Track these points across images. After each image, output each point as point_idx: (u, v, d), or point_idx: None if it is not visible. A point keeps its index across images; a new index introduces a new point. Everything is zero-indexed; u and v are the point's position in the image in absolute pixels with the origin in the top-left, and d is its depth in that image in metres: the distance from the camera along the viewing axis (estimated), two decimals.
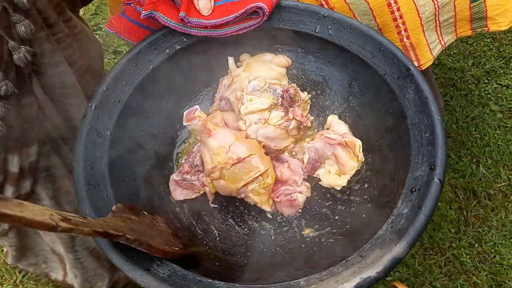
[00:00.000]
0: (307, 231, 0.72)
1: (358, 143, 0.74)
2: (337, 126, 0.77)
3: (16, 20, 0.69)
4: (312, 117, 0.82)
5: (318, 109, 0.83)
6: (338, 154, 0.74)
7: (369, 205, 0.68)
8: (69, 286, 1.24)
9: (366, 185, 0.73)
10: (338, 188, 0.74)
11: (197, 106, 0.68)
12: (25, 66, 0.71)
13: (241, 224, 0.75)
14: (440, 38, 0.94)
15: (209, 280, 0.56)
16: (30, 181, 0.84)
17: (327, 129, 0.79)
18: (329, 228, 0.70)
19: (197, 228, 0.73)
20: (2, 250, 1.41)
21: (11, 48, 0.69)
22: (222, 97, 0.79)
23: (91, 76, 0.94)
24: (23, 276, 1.43)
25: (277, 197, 0.74)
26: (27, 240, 1.06)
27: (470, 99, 1.69)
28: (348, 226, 0.68)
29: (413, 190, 0.60)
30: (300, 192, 0.74)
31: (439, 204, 1.47)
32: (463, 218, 1.46)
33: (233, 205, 0.77)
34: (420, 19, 0.86)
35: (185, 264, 0.61)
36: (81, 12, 1.80)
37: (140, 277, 0.55)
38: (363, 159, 0.74)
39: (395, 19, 0.86)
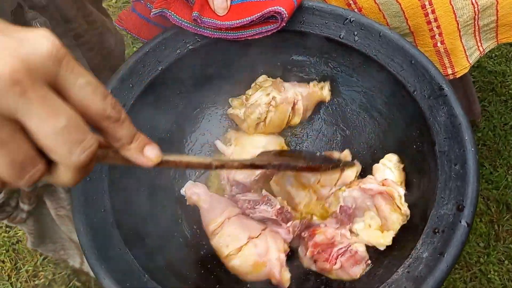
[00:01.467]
0: None
1: (399, 193, 0.61)
2: (380, 173, 0.66)
3: (31, 17, 0.66)
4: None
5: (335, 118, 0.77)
6: (379, 205, 0.62)
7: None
8: (85, 273, 1.25)
9: None
10: (382, 248, 0.61)
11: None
12: None
13: None
14: (479, 44, 0.85)
15: None
16: None
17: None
18: None
19: None
20: (25, 233, 1.44)
21: None
22: (231, 183, 0.72)
23: (110, 72, 0.91)
24: (44, 259, 1.47)
25: (335, 264, 0.62)
26: (45, 228, 1.06)
27: (510, 105, 1.58)
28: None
29: (436, 231, 0.53)
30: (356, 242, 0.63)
31: None
32: (493, 232, 1.38)
33: None
34: (457, 23, 0.78)
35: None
36: None
37: None
38: (408, 211, 0.61)
39: (429, 22, 0.78)
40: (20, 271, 1.47)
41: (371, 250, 0.63)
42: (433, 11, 0.77)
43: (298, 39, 0.71)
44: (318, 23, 0.69)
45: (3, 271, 1.47)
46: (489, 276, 1.31)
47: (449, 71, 0.86)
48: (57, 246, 1.19)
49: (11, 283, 1.45)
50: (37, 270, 1.48)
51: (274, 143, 0.74)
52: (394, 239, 0.61)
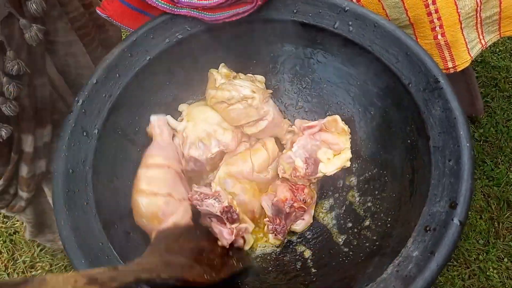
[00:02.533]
0: (306, 254, 0.65)
1: (335, 117, 0.71)
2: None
3: None
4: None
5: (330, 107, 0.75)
6: (326, 138, 0.70)
7: (374, 237, 0.60)
8: None
9: (374, 210, 0.65)
10: (348, 165, 0.70)
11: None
12: (37, 45, 0.68)
13: None
14: (481, 37, 0.82)
15: None
16: (45, 161, 0.82)
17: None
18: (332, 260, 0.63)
19: None
20: (23, 223, 1.44)
21: (22, 26, 0.65)
22: (187, 158, 0.71)
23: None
24: (41, 250, 1.46)
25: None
26: (44, 217, 1.06)
27: None
28: (349, 259, 0.61)
29: (428, 229, 0.51)
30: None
31: (469, 212, 1.37)
32: (493, 230, 1.35)
33: None
34: (459, 15, 0.75)
35: None
36: None
37: None
38: (349, 129, 0.71)
39: (429, 14, 0.75)
40: (17, 262, 1.46)
41: (362, 248, 0.61)
42: (433, 2, 0.74)
43: (290, 29, 0.69)
44: (311, 13, 0.66)
45: (0, 262, 1.47)
46: (488, 273, 1.29)
47: (450, 64, 0.83)
48: (55, 236, 1.19)
49: (8, 274, 1.45)
50: (34, 261, 1.47)
51: (225, 126, 0.72)
52: (385, 234, 0.59)
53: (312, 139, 0.71)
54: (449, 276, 1.30)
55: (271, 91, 0.73)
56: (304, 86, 0.77)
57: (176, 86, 0.74)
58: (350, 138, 0.71)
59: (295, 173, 0.69)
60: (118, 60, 0.66)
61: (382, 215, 0.63)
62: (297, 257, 0.66)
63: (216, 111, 0.72)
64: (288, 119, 0.77)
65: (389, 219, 0.61)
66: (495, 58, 1.64)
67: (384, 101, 0.67)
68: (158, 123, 0.71)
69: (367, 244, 0.61)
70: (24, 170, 0.79)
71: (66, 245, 0.53)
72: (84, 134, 0.62)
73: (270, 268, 0.65)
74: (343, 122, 0.71)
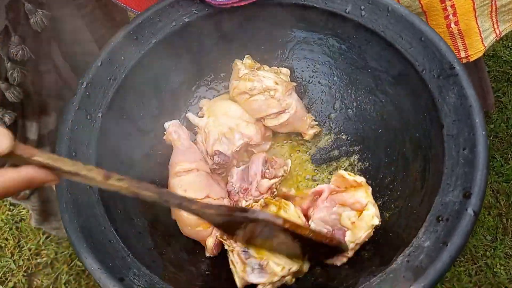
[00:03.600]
0: None
1: (340, 173, 0.60)
2: None
3: None
4: None
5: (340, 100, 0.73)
6: (342, 199, 0.59)
7: (386, 224, 0.59)
8: None
9: (384, 200, 0.63)
10: (377, 222, 0.56)
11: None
12: (42, 31, 0.67)
13: None
14: (495, 26, 0.80)
15: None
16: (50, 149, 0.81)
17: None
18: None
19: None
20: (28, 211, 1.44)
21: (28, 11, 0.64)
22: (211, 154, 0.68)
23: None
24: (46, 238, 1.47)
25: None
26: (50, 205, 1.06)
27: None
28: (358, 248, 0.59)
29: (440, 219, 0.49)
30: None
31: None
32: (502, 226, 1.33)
33: None
34: (473, 3, 0.73)
35: (167, 271, 0.55)
36: None
37: (112, 287, 0.49)
38: (362, 178, 0.60)
39: (443, 1, 0.73)
40: (23, 249, 1.47)
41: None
42: None
43: (300, 14, 0.67)
44: None
45: (6, 249, 1.48)
46: (495, 270, 1.27)
47: (463, 54, 0.81)
48: (61, 224, 1.19)
49: (13, 261, 1.46)
50: (40, 249, 1.48)
51: (248, 120, 0.70)
52: (395, 226, 0.57)
53: (328, 208, 0.60)
54: (456, 272, 1.28)
55: (295, 84, 0.71)
56: (313, 74, 0.75)
57: (183, 71, 0.72)
58: (366, 185, 0.60)
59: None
60: (123, 43, 0.64)
61: (392, 205, 0.61)
62: None
63: (238, 102, 0.70)
64: (312, 114, 0.74)
65: (399, 210, 0.59)
66: (508, 52, 1.61)
67: (396, 89, 0.65)
68: (173, 129, 0.70)
69: (376, 237, 0.60)
70: None
71: (68, 228, 0.52)
72: (88, 117, 0.61)
73: None
74: (352, 173, 0.61)
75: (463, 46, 0.80)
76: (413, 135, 0.62)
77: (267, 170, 0.67)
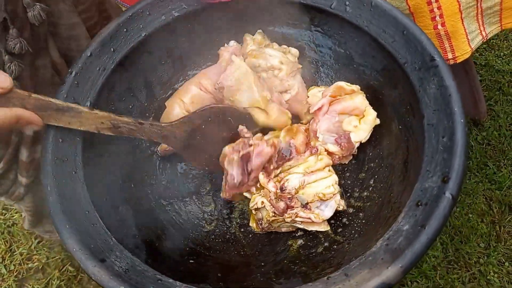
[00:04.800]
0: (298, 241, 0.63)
1: (338, 84, 0.68)
2: (314, 97, 0.72)
3: None
4: None
5: None
6: (341, 108, 0.67)
7: (368, 213, 0.59)
8: None
9: (367, 192, 0.63)
10: (378, 122, 0.67)
11: None
12: (40, 25, 0.68)
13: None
14: (482, 28, 0.82)
15: (170, 280, 0.50)
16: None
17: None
18: (322, 237, 0.62)
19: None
20: (21, 215, 1.44)
21: (26, 5, 0.66)
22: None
23: None
24: (38, 243, 1.46)
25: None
26: (43, 206, 1.06)
27: None
28: (338, 237, 0.59)
29: (419, 203, 0.50)
30: None
31: (470, 216, 1.35)
32: (495, 233, 1.34)
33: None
34: (459, 4, 0.75)
35: (151, 257, 0.55)
36: None
37: (92, 268, 0.49)
38: (357, 86, 0.68)
39: (429, 3, 0.75)
40: (14, 253, 1.46)
41: (354, 219, 0.60)
42: None
43: (287, 10, 0.69)
44: None
45: None
46: (488, 277, 1.27)
47: (450, 55, 0.82)
48: (53, 227, 1.18)
49: (4, 266, 1.44)
50: (31, 254, 1.47)
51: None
52: (377, 216, 0.58)
53: (330, 118, 0.68)
54: (449, 279, 1.27)
55: (300, 66, 0.71)
56: (301, 69, 0.76)
57: (172, 65, 0.74)
58: (363, 94, 0.68)
59: (335, 157, 0.68)
60: (113, 35, 0.66)
61: (375, 195, 0.61)
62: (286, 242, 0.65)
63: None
64: None
65: (382, 199, 0.60)
66: (500, 62, 1.64)
67: (381, 83, 0.67)
68: (233, 50, 0.72)
69: (357, 229, 0.60)
70: (24, 154, 0.78)
71: (51, 210, 0.53)
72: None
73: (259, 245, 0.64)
74: (348, 83, 0.68)
75: (450, 48, 0.82)
76: (396, 128, 0.63)
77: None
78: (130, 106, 0.70)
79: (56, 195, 0.54)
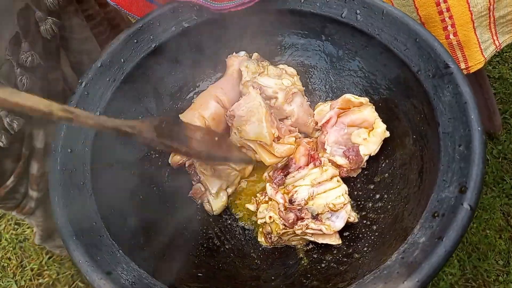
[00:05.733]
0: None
1: (345, 97, 0.66)
2: (321, 113, 0.70)
3: None
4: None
5: None
6: (350, 120, 0.66)
7: (382, 225, 0.57)
8: None
9: (380, 204, 0.61)
10: (388, 134, 0.65)
11: None
12: (52, 39, 0.69)
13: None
14: (495, 38, 0.80)
15: None
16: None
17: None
18: (335, 250, 0.60)
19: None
20: (33, 230, 1.44)
21: (38, 19, 0.66)
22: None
23: None
24: (49, 258, 1.45)
25: None
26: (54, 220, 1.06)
27: None
28: (351, 250, 0.57)
29: (436, 215, 0.48)
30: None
31: (488, 232, 1.31)
32: None
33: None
34: (471, 14, 0.74)
35: (159, 270, 0.54)
36: None
37: (97, 280, 0.47)
38: (365, 98, 0.67)
39: (441, 12, 0.74)
40: (25, 269, 1.46)
41: (368, 232, 0.58)
42: (444, 0, 0.73)
43: (297, 20, 0.68)
44: (319, 2, 0.66)
45: (8, 268, 1.46)
46: None
47: (462, 65, 0.81)
48: None
49: (15, 281, 1.44)
50: (42, 269, 1.46)
51: None
52: (392, 228, 0.56)
53: (338, 130, 0.67)
54: None
55: (296, 90, 0.70)
56: (310, 81, 0.75)
57: (182, 75, 0.73)
58: (373, 106, 0.67)
59: (343, 170, 0.66)
60: (124, 46, 0.66)
61: (389, 207, 0.60)
62: (297, 255, 0.63)
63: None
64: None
65: (396, 212, 0.58)
66: None
67: (393, 92, 0.65)
68: (240, 61, 0.72)
69: (371, 241, 0.58)
70: (34, 168, 0.78)
71: (58, 221, 0.52)
72: None
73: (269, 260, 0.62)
74: (357, 96, 0.67)
75: (462, 57, 0.80)
76: (410, 137, 0.61)
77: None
78: (140, 117, 0.70)
79: (63, 206, 0.53)
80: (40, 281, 1.44)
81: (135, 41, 0.66)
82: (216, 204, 0.68)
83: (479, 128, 0.50)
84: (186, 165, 0.70)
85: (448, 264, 1.27)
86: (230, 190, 0.70)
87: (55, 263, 1.47)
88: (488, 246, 1.30)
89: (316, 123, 0.72)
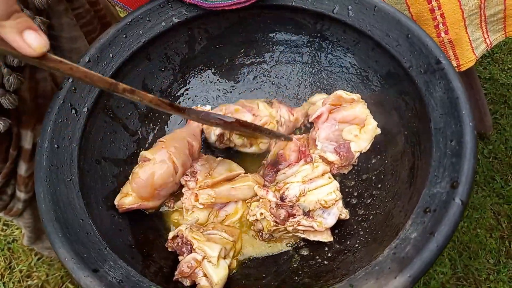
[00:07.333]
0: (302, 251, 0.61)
1: (337, 93, 0.67)
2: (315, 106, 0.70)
3: None
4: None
5: None
6: (341, 116, 0.66)
7: (373, 222, 0.57)
8: None
9: (371, 200, 0.61)
10: (379, 131, 0.66)
11: None
12: None
13: None
14: (486, 36, 0.80)
15: None
16: None
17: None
18: (326, 247, 0.59)
19: None
20: (21, 231, 1.42)
21: None
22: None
23: None
24: (38, 259, 1.44)
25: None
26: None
27: None
28: (342, 246, 0.57)
29: (427, 210, 0.48)
30: None
31: (478, 231, 1.32)
32: (504, 249, 1.30)
33: None
34: (462, 12, 0.74)
35: (147, 267, 0.53)
36: None
37: (84, 278, 0.46)
38: (357, 95, 0.67)
39: (432, 10, 0.74)
40: (14, 270, 1.43)
41: (359, 228, 0.57)
42: None
43: (289, 16, 0.68)
44: None
45: None
46: None
47: (454, 63, 0.81)
48: None
49: (3, 283, 1.42)
50: (31, 271, 1.44)
51: None
52: (383, 224, 0.55)
53: (330, 126, 0.67)
54: None
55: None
56: (303, 77, 0.75)
57: (171, 72, 0.72)
58: (365, 104, 0.67)
59: (334, 167, 0.66)
60: (112, 41, 0.65)
61: (380, 204, 0.59)
62: (290, 251, 0.62)
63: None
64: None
65: (388, 208, 0.57)
66: (504, 75, 1.62)
67: (385, 88, 0.65)
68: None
69: (362, 238, 0.58)
70: (22, 168, 0.77)
71: (44, 218, 0.51)
72: (73, 111, 0.60)
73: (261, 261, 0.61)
74: (348, 92, 0.67)
75: (454, 56, 0.80)
76: (402, 134, 0.61)
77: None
78: (129, 113, 0.69)
79: (49, 203, 0.52)
80: (29, 283, 1.42)
81: (124, 36, 0.65)
82: (218, 273, 0.55)
83: (470, 123, 0.50)
84: (170, 237, 0.61)
85: (439, 263, 1.28)
86: (228, 262, 0.58)
87: (44, 265, 1.45)
88: (479, 245, 1.31)
89: (307, 117, 0.72)
